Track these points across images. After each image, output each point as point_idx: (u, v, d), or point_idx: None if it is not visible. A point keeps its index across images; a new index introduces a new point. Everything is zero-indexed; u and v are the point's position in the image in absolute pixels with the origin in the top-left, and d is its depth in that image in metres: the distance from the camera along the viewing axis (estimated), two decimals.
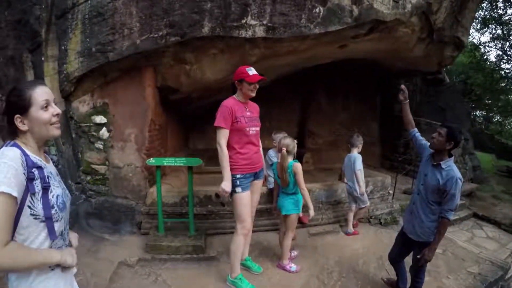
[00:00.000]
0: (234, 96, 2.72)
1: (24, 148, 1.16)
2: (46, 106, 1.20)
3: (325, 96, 7.11)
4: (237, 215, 2.73)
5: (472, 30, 14.17)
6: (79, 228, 3.77)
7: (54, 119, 1.22)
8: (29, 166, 1.12)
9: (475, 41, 16.35)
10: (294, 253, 3.43)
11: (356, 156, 3.92)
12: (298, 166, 2.96)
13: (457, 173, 2.31)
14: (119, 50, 3.50)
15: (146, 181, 3.82)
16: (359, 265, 3.41)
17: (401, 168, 6.22)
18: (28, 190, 1.10)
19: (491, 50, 15.21)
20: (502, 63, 15.28)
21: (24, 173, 1.09)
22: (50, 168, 1.27)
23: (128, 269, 3.10)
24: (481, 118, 19.25)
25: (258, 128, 2.78)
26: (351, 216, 4.11)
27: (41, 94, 1.20)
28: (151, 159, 3.44)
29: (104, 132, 3.81)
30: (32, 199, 1.10)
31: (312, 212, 2.99)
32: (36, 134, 1.20)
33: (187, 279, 2.96)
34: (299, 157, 3.17)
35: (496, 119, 20.27)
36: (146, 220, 3.70)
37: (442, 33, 5.39)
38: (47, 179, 1.17)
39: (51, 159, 1.38)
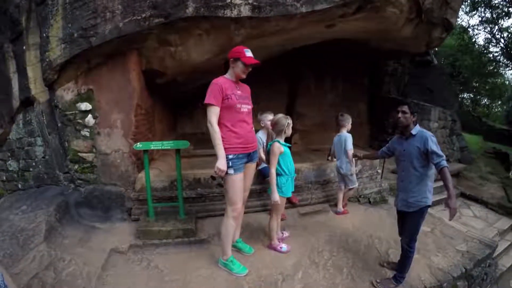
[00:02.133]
0: (225, 75, 2.68)
1: None
2: None
3: (313, 77, 7.09)
4: (228, 197, 2.68)
5: (461, 13, 14.23)
6: (69, 218, 3.74)
7: None
8: None
9: (464, 23, 16.43)
10: (286, 233, 3.46)
11: (346, 135, 3.94)
12: (274, 146, 2.93)
13: (427, 132, 2.66)
14: (101, 35, 3.41)
15: (134, 166, 3.78)
16: (349, 244, 3.45)
17: None
18: None
19: (479, 33, 15.40)
20: (490, 46, 15.44)
21: None
22: None
23: (120, 256, 3.09)
24: (469, 101, 19.50)
25: (250, 107, 2.74)
26: (340, 196, 4.15)
27: None
28: (138, 143, 3.41)
29: (89, 119, 3.75)
30: None
31: (274, 197, 2.92)
32: None
33: (179, 263, 2.97)
34: (288, 138, 3.15)
35: (484, 101, 20.60)
36: (136, 206, 3.68)
37: (431, 14, 5.37)
38: None
39: None
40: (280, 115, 3.03)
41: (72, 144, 3.87)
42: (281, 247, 3.20)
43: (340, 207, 4.16)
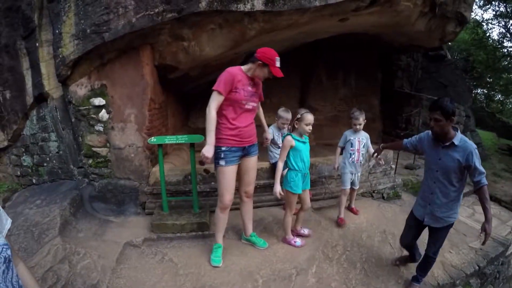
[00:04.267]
0: (242, 67, 2.62)
1: None
2: None
3: (326, 72, 7.06)
4: (218, 189, 2.72)
5: (475, 7, 13.86)
6: (83, 212, 3.80)
7: None
8: None
9: (477, 17, 16.06)
10: (306, 231, 3.42)
11: (346, 133, 3.69)
12: (285, 139, 2.92)
13: (471, 143, 2.26)
14: (114, 30, 3.42)
15: (148, 161, 3.81)
16: (363, 239, 3.43)
17: None
18: None
19: (493, 28, 14.98)
20: (505, 41, 15.03)
21: None
22: None
23: (134, 250, 3.12)
24: (482, 96, 19.08)
25: (255, 104, 2.71)
26: (344, 200, 3.75)
27: None
28: (153, 138, 3.42)
29: (103, 114, 3.78)
30: None
31: (275, 188, 2.86)
32: None
33: (193, 256, 2.99)
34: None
35: (498, 97, 20.12)
36: (150, 200, 3.71)
37: (445, 8, 5.30)
38: None
39: None
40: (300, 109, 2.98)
41: (86, 139, 3.91)
42: (295, 241, 3.20)
43: (341, 213, 3.74)
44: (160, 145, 3.44)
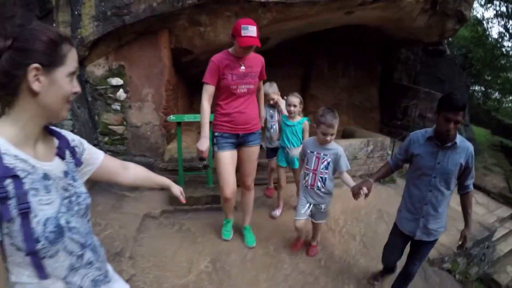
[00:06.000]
0: (229, 49, 2.47)
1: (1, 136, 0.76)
2: (72, 74, 0.86)
3: (327, 62, 7.30)
4: (218, 179, 2.66)
5: (476, 5, 14.04)
6: (99, 188, 4.00)
7: (71, 98, 0.88)
8: None
9: (478, 15, 16.24)
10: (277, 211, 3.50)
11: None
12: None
13: (469, 143, 2.05)
14: (135, 13, 3.60)
15: (164, 138, 4.05)
16: (361, 215, 3.73)
17: (399, 134, 6.49)
18: None
19: (493, 27, 15.21)
20: (503, 41, 15.29)
21: None
22: (44, 170, 0.83)
23: (153, 221, 3.31)
24: (479, 94, 19.42)
25: (251, 86, 2.51)
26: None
27: (75, 57, 0.87)
28: (172, 116, 3.63)
29: (121, 94, 3.98)
30: (9, 225, 0.74)
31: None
32: (43, 108, 0.81)
33: (209, 226, 3.21)
34: None
35: (495, 95, 20.48)
36: (165, 176, 3.93)
37: (446, 6, 5.54)
38: (26, 197, 0.75)
39: (63, 139, 0.95)
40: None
41: (102, 117, 4.11)
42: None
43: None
44: (179, 123, 3.65)
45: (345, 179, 2.47)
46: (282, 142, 3.28)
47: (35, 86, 0.77)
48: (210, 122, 2.49)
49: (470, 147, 2.02)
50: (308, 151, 2.56)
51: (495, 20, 15.08)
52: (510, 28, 14.56)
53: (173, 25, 3.84)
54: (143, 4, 3.57)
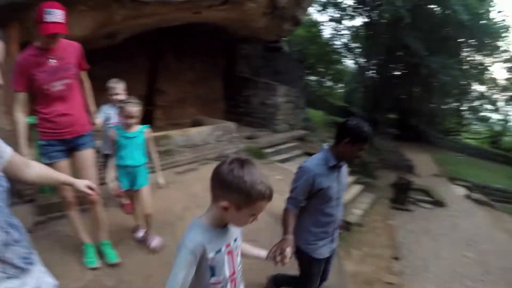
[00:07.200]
0: (35, 42, 2.09)
1: None
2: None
3: (173, 56, 7.45)
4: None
5: (313, 10, 17.02)
6: None
7: None
8: None
9: (313, 19, 19.62)
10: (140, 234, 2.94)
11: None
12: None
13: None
14: None
15: None
16: None
17: (242, 120, 7.68)
18: None
19: (327, 28, 18.99)
20: (334, 40, 19.09)
21: None
22: None
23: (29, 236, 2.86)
24: (315, 83, 23.73)
25: (68, 81, 2.18)
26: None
27: None
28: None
29: None
30: None
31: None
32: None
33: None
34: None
35: (328, 84, 25.47)
36: None
37: (284, 11, 6.61)
38: None
39: None
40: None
41: None
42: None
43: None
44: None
45: (247, 250, 1.42)
46: (121, 161, 2.55)
47: None
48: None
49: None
50: (209, 249, 1.13)
51: (328, 23, 18.54)
52: (340, 30, 18.34)
53: (25, 17, 3.46)
54: None
